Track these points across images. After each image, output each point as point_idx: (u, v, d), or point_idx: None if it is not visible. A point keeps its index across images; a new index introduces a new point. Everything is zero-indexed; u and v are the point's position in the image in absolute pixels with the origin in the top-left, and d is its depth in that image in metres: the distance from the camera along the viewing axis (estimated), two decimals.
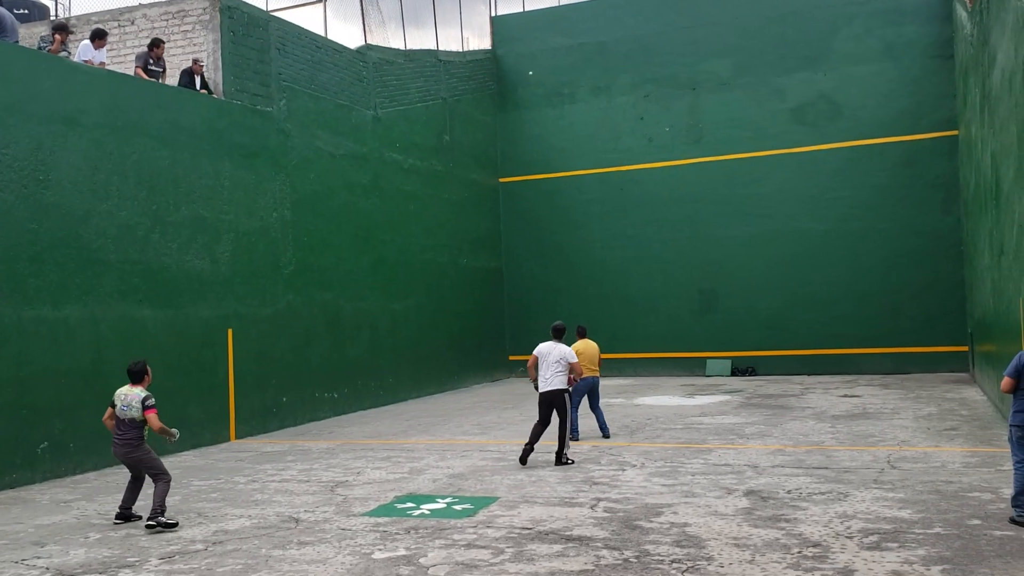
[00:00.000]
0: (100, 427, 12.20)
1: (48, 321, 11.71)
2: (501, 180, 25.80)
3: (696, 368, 23.17)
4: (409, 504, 9.19)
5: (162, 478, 8.82)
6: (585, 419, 13.73)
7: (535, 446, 11.18)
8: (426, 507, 9.01)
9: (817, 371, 22.42)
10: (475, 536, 7.75)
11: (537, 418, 11.32)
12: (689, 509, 8.47)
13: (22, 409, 11.24)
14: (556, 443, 11.27)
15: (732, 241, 23.44)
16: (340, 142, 18.40)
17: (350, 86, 18.97)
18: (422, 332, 20.93)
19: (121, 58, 16.08)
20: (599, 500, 9.00)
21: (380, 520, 8.52)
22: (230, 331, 14.84)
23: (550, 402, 11.24)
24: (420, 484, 10.27)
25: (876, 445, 11.73)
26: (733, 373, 22.96)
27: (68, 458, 11.79)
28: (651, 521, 8.05)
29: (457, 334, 22.60)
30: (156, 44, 14.39)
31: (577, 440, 12.77)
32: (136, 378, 9.06)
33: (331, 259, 17.77)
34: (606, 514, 8.39)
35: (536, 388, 11.41)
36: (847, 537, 7.24)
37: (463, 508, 8.89)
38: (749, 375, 22.80)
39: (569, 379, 11.37)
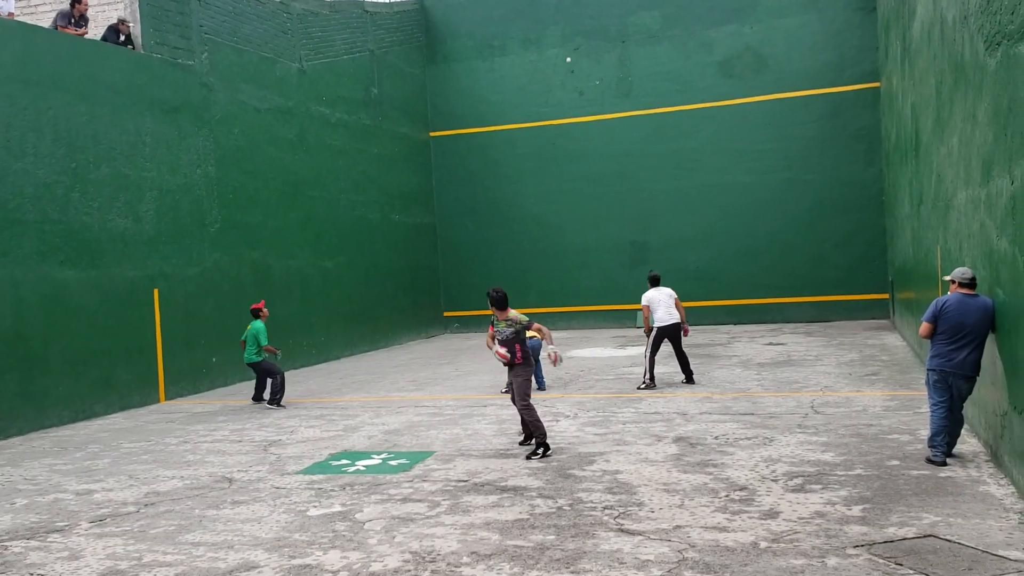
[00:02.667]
0: (25, 390, 11.96)
1: None
2: (432, 134, 25.56)
3: (628, 320, 23.50)
4: (344, 461, 9.21)
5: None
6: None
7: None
8: (361, 463, 9.03)
9: (744, 321, 22.95)
10: (411, 490, 7.82)
11: (653, 353, 13.06)
12: (621, 457, 8.65)
13: None
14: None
15: (662, 194, 23.69)
16: (265, 96, 17.98)
17: (274, 38, 18.51)
18: (354, 289, 20.78)
19: (32, 8, 15.40)
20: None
21: (315, 478, 8.53)
22: (156, 291, 14.53)
23: (674, 334, 13.10)
24: (355, 441, 10.28)
25: (800, 391, 12.10)
26: None
27: None
28: (584, 470, 8.20)
29: (390, 291, 22.49)
30: (77, 1, 13.78)
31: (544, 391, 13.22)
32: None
33: (258, 216, 17.47)
34: (540, 464, 8.52)
35: (650, 328, 13.04)
36: (772, 480, 7.49)
37: (399, 463, 8.94)
38: None
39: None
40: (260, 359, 13.00)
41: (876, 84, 21.92)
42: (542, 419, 9.51)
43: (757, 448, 8.75)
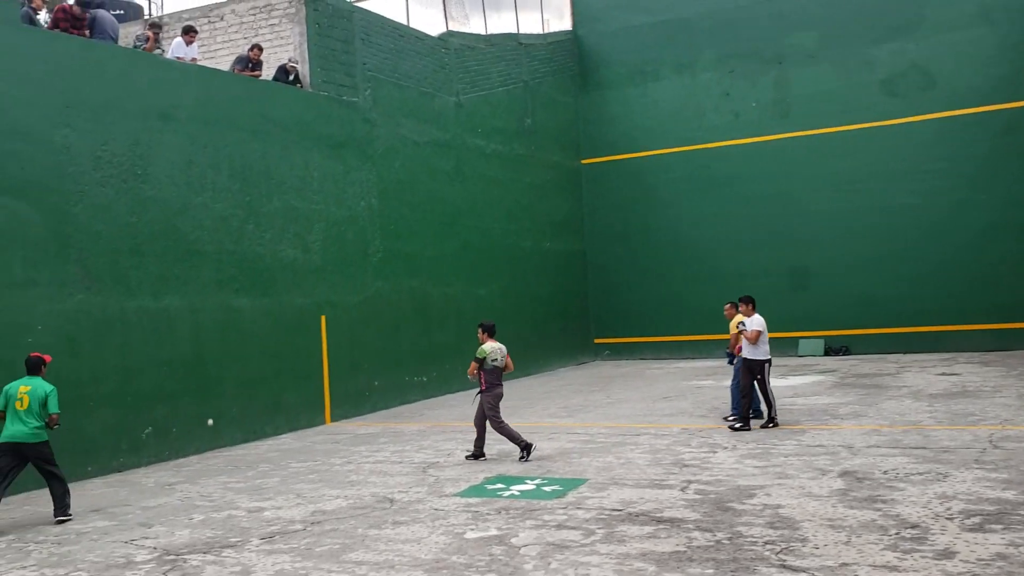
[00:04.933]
0: (200, 413, 12.73)
1: (150, 311, 12.19)
2: (583, 162, 25.67)
3: (788, 348, 22.70)
4: (499, 485, 9.30)
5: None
6: (676, 401, 13.56)
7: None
8: (516, 488, 9.10)
9: (913, 349, 21.72)
10: (565, 517, 7.80)
11: (752, 388, 12.09)
12: (782, 491, 8.35)
13: (127, 396, 11.75)
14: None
15: (822, 217, 22.83)
16: (424, 129, 18.58)
17: (433, 73, 19.13)
18: (506, 316, 20.98)
19: (212, 53, 16.55)
20: (690, 482, 8.95)
21: (471, 500, 8.65)
22: (323, 318, 15.20)
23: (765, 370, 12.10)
24: (509, 466, 10.37)
25: (977, 424, 11.34)
26: (826, 353, 22.43)
27: (170, 443, 12.28)
28: (743, 503, 7.96)
29: (541, 318, 22.63)
30: (252, 47, 14.76)
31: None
32: (494, 332, 10.91)
33: (417, 246, 18.01)
34: (697, 496, 8.34)
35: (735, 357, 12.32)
36: (947, 519, 7.04)
37: (552, 489, 8.95)
38: (842, 355, 22.24)
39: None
40: (46, 438, 8.88)
41: None
42: (698, 450, 9.33)
43: (930, 484, 8.25)
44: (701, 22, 24.40)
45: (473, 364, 10.72)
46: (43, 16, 12.24)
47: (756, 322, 12.02)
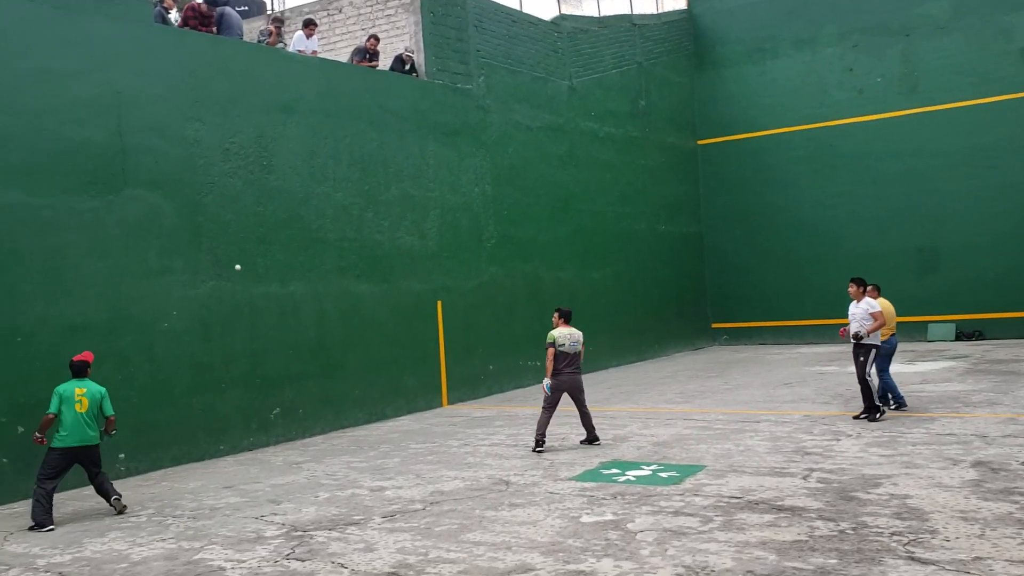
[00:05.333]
0: (326, 394, 13.16)
1: (276, 297, 12.67)
2: (699, 143, 25.18)
3: (916, 333, 21.76)
4: (614, 470, 9.28)
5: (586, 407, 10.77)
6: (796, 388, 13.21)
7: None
8: (631, 473, 9.06)
9: None
10: (682, 503, 7.73)
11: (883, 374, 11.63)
12: (910, 480, 8.04)
13: (256, 379, 12.25)
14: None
15: (954, 196, 21.75)
16: (537, 115, 18.61)
17: (545, 58, 19.11)
18: (621, 300, 20.91)
19: (331, 45, 16.98)
20: (812, 470, 8.72)
21: (586, 485, 8.66)
22: (439, 303, 15.46)
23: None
24: (624, 451, 10.33)
25: None
26: (957, 338, 21.41)
27: (298, 423, 12.75)
28: (869, 492, 7.71)
29: (656, 302, 22.39)
30: (369, 38, 15.11)
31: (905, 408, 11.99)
32: (570, 317, 10.81)
33: (530, 231, 18.08)
34: (819, 485, 8.12)
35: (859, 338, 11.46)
36: None
37: (669, 475, 8.87)
38: (975, 339, 21.18)
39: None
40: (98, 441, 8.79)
41: None
42: (820, 438, 9.06)
43: None
44: None
45: (550, 351, 10.59)
46: (174, 15, 12.78)
47: (877, 305, 11.45)
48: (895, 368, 12.13)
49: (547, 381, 10.66)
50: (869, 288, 12.06)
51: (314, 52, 14.43)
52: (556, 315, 10.95)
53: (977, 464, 8.53)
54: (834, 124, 23.33)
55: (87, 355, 8.91)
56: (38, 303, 9.96)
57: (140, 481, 10.33)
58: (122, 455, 10.54)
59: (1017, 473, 8.06)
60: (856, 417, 11.37)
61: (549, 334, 10.70)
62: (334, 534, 7.46)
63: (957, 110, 21.77)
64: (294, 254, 12.98)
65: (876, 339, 11.42)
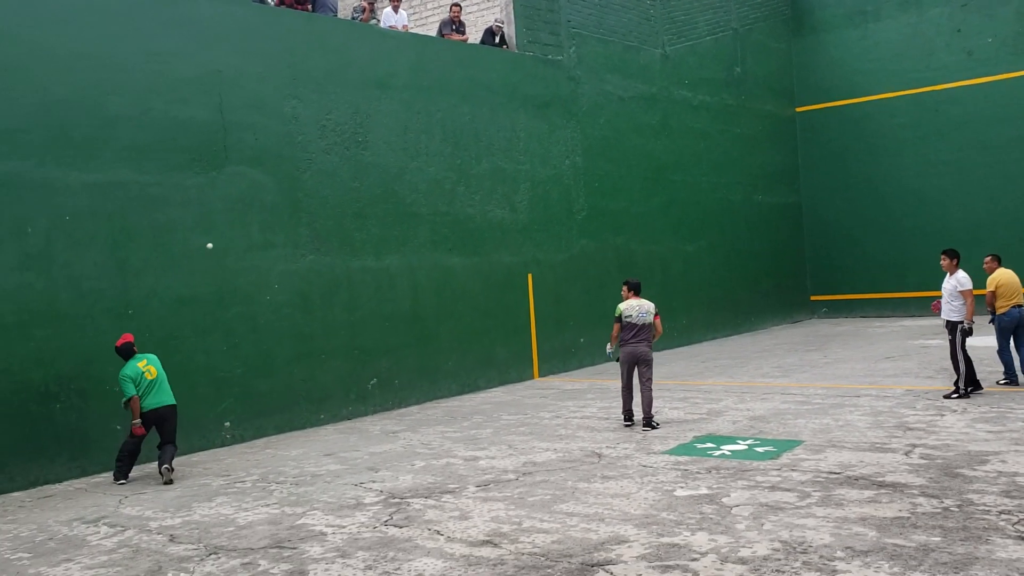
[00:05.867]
0: (421, 365, 13.39)
1: (372, 270, 12.91)
2: (798, 110, 24.46)
3: None
4: (709, 444, 9.19)
5: (650, 385, 10.39)
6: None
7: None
8: (726, 448, 8.96)
9: None
10: (779, 479, 7.61)
11: (964, 351, 10.83)
12: (1020, 458, 7.73)
13: (354, 350, 12.55)
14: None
15: None
16: (628, 84, 18.37)
17: (637, 26, 18.83)
18: (715, 273, 20.58)
19: (423, 20, 17.09)
20: (914, 446, 8.47)
21: (680, 459, 8.61)
22: (530, 276, 15.51)
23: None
24: (719, 425, 10.22)
25: None
26: None
27: (394, 393, 13.02)
28: (975, 469, 7.45)
29: (752, 274, 21.95)
30: (452, 7, 15.15)
31: (1015, 385, 11.43)
32: (640, 290, 10.61)
33: (622, 203, 17.92)
34: (922, 461, 7.88)
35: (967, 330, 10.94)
36: None
37: (765, 450, 8.74)
38: None
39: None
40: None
41: None
42: (923, 413, 8.77)
43: None
44: None
45: (616, 326, 10.42)
46: None
47: (967, 281, 10.92)
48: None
49: (609, 347, 10.58)
50: (988, 259, 11.58)
51: (405, 27, 14.55)
52: (625, 288, 10.68)
53: None
54: (941, 88, 22.33)
55: (127, 336, 9.42)
56: (148, 277, 10.39)
57: (245, 448, 10.73)
58: (227, 423, 10.96)
59: None
60: (946, 396, 10.93)
61: (617, 307, 10.52)
62: (430, 502, 7.61)
63: None
64: (389, 228, 13.20)
65: (957, 315, 10.85)
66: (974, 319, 10.92)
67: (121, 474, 9.28)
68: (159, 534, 7.24)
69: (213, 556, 6.55)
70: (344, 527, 7.04)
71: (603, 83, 17.64)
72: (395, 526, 6.97)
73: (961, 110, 22.01)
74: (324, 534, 6.90)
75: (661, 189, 19.07)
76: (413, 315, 13.46)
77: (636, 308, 10.36)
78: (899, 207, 22.88)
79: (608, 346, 10.64)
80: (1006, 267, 11.59)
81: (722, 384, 13.44)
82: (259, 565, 6.26)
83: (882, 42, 23.13)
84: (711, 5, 21.22)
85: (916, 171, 22.66)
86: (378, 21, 14.44)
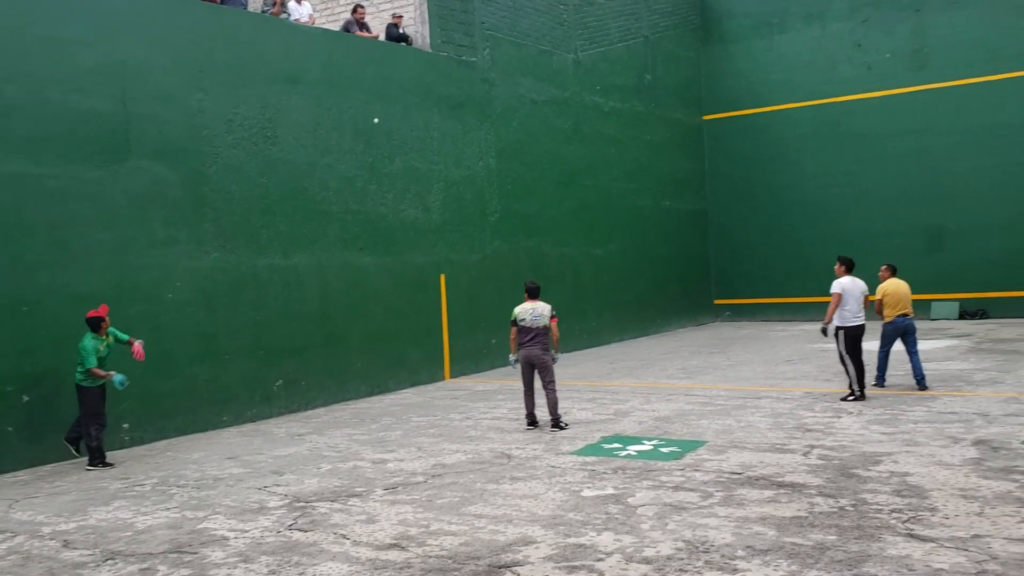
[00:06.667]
0: (329, 366, 13.21)
1: (280, 268, 12.67)
2: (705, 118, 25.04)
3: (920, 311, 21.52)
4: (616, 445, 9.32)
5: (553, 386, 10.33)
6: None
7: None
8: (632, 448, 9.10)
9: None
10: (683, 479, 7.76)
11: (852, 357, 11.18)
12: (911, 458, 8.07)
13: (260, 350, 12.29)
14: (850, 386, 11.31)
15: (962, 175, 21.62)
16: (542, 88, 18.50)
17: (551, 30, 18.97)
18: (624, 276, 20.90)
19: (336, 16, 16.85)
20: (812, 447, 8.75)
21: (588, 459, 8.70)
22: (443, 276, 15.47)
23: (859, 336, 11.28)
24: (626, 426, 10.37)
25: None
26: (961, 316, 21.39)
27: (300, 395, 12.80)
28: (869, 470, 7.74)
29: (660, 278, 22.39)
30: (355, 10, 14.99)
31: (883, 387, 12.05)
32: (537, 294, 10.48)
33: (535, 206, 18.04)
34: (820, 461, 8.15)
35: (826, 332, 11.55)
36: None
37: (670, 451, 8.91)
38: (979, 318, 21.17)
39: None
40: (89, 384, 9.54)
41: None
42: (821, 415, 9.06)
43: None
44: None
45: (513, 329, 10.43)
46: None
47: (837, 285, 11.35)
48: (899, 345, 12.08)
49: (511, 356, 10.57)
50: (883, 268, 12.09)
51: (311, 16, 14.34)
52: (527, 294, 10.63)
53: (978, 443, 8.55)
54: (842, 100, 23.18)
55: (103, 309, 9.69)
56: (43, 273, 9.97)
57: (144, 451, 10.40)
58: (126, 425, 10.61)
59: (1018, 452, 8.08)
60: (842, 399, 11.30)
61: (513, 311, 10.49)
62: (336, 505, 7.51)
63: (967, 87, 21.61)
64: (297, 226, 12.97)
65: (841, 321, 11.28)
66: (831, 322, 11.42)
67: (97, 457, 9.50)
68: (52, 540, 6.96)
69: (110, 562, 6.33)
70: (247, 531, 6.89)
71: (517, 86, 17.72)
72: (300, 530, 6.85)
73: (860, 123, 22.88)
74: (226, 539, 6.73)
75: (573, 193, 19.27)
76: (322, 315, 13.26)
77: (530, 311, 10.34)
78: (800, 215, 23.66)
79: (510, 355, 10.65)
80: (901, 277, 12.10)
81: (629, 385, 13.64)
82: (158, 571, 6.07)
83: (787, 54, 23.88)
84: (623, 12, 21.54)
85: (816, 181, 23.47)
86: (288, 15, 14.19)
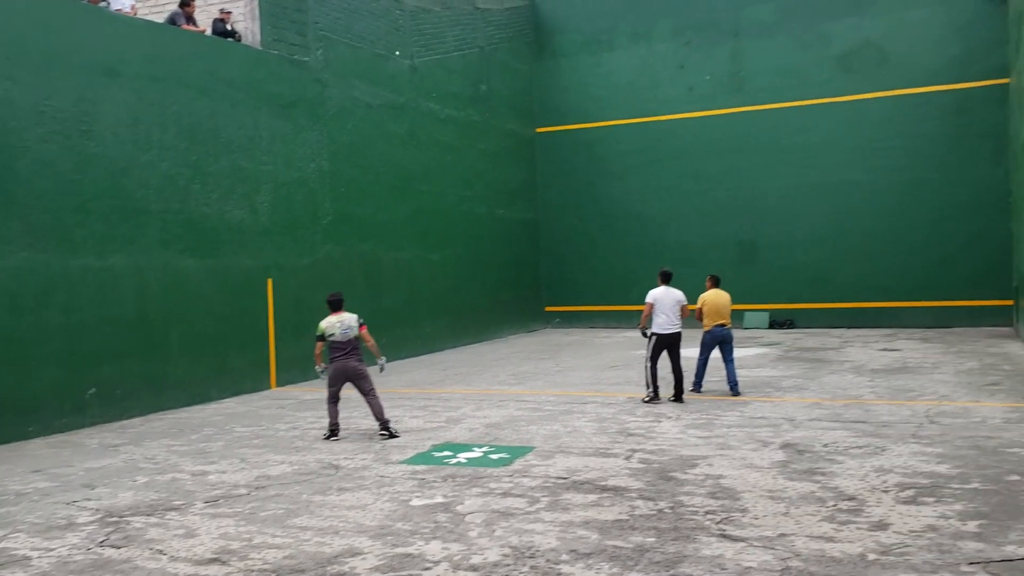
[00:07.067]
0: (147, 374, 12.56)
1: (94, 270, 11.95)
2: (538, 130, 25.60)
3: (734, 321, 22.88)
4: (446, 452, 9.33)
5: (374, 393, 10.27)
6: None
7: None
8: (463, 456, 9.14)
9: (857, 324, 22.19)
10: (511, 485, 7.87)
11: (651, 362, 11.97)
12: (724, 461, 8.51)
13: (71, 356, 11.53)
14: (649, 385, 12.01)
15: (774, 192, 23.11)
16: (377, 92, 18.35)
17: (387, 35, 18.86)
18: (459, 283, 21.03)
19: (161, 8, 16.10)
20: (634, 451, 9.07)
21: (418, 468, 8.67)
22: (270, 281, 15.03)
23: (670, 344, 11.92)
24: (457, 433, 10.41)
25: (915, 400, 11.65)
26: (771, 326, 22.83)
27: (115, 404, 12.10)
28: (686, 473, 8.10)
29: (494, 285, 22.67)
30: (186, 3, 14.37)
31: (700, 392, 12.63)
32: (341, 306, 10.36)
33: (369, 210, 17.85)
34: (641, 465, 8.46)
35: (645, 334, 12.19)
36: (883, 491, 7.24)
37: (499, 457, 9.01)
38: (787, 328, 22.65)
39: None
40: None
41: (1005, 80, 20.84)
42: (643, 419, 9.44)
43: (868, 457, 8.46)
44: None
45: (319, 343, 10.27)
46: None
47: (650, 295, 12.11)
48: (715, 353, 12.79)
49: (317, 368, 10.44)
50: (708, 279, 12.76)
51: (133, 7, 13.64)
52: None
53: (785, 446, 9.12)
54: (664, 119, 24.26)
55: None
56: None
57: None
58: None
59: (819, 454, 8.68)
60: (644, 400, 12.08)
61: (318, 326, 10.29)
62: (152, 520, 7.15)
63: (779, 111, 23.10)
64: (114, 225, 12.28)
65: (654, 328, 12.08)
66: (646, 328, 12.27)
67: None
68: None
69: None
70: (52, 550, 6.44)
71: (351, 88, 17.49)
72: (112, 547, 6.47)
73: (681, 141, 24.03)
74: (29, 558, 6.27)
75: (408, 198, 19.20)
76: (139, 319, 12.60)
77: (338, 325, 10.19)
78: (624, 227, 24.59)
79: (316, 367, 10.50)
80: (724, 289, 12.82)
81: (461, 392, 13.71)
82: None
83: (614, 71, 24.76)
84: (459, 21, 21.70)
85: (640, 195, 24.46)
86: (108, 4, 13.42)
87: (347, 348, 10.18)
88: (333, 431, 10.33)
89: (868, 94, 22.28)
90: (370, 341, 10.39)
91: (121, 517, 7.27)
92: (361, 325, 10.30)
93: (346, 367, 10.18)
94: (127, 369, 12.32)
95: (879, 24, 22.19)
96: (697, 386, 12.74)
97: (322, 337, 10.22)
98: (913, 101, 21.86)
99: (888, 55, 22.12)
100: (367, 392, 10.30)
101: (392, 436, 10.19)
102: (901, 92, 21.98)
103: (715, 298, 12.54)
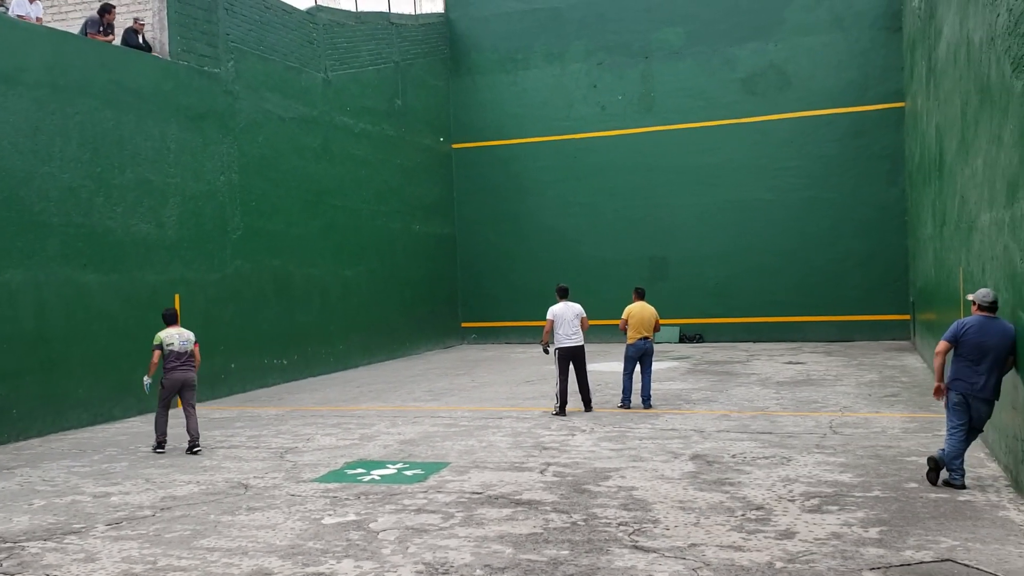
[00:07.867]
0: (45, 393, 12.05)
1: None
2: (454, 146, 25.65)
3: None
4: (360, 470, 9.22)
5: (195, 407, 10.65)
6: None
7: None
8: (376, 473, 9.04)
9: (763, 338, 22.83)
10: (425, 501, 7.81)
11: (560, 376, 12.28)
12: (636, 473, 8.62)
13: None
14: (561, 396, 12.31)
15: (683, 210, 23.65)
16: (289, 105, 18.11)
17: (300, 48, 18.65)
18: (374, 298, 20.85)
19: (63, 15, 15.60)
20: (548, 465, 9.12)
21: (330, 486, 8.54)
22: (177, 296, 14.63)
23: (574, 356, 12.30)
24: (371, 450, 10.29)
25: (819, 411, 12.02)
26: (681, 340, 23.29)
27: (11, 425, 11.59)
28: (599, 485, 8.18)
29: (409, 300, 22.54)
30: (107, 10, 13.98)
31: (628, 408, 12.66)
32: (176, 319, 10.76)
33: (280, 224, 17.57)
34: (555, 478, 8.50)
35: (547, 350, 12.66)
36: (789, 500, 7.44)
37: (414, 474, 8.94)
38: (696, 342, 23.13)
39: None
40: None
41: (900, 104, 21.81)
42: (557, 433, 9.51)
43: (774, 468, 8.69)
44: (572, 12, 24.73)
45: (156, 353, 10.50)
46: None
47: (550, 311, 12.49)
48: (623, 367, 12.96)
49: (146, 379, 10.56)
50: (634, 292, 13.12)
51: (38, 19, 13.19)
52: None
53: (695, 457, 9.30)
54: (578, 137, 24.60)
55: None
56: None
57: None
58: None
59: (728, 465, 8.87)
60: (553, 413, 12.33)
61: (156, 336, 10.57)
62: (50, 544, 6.85)
63: (687, 131, 23.67)
64: (11, 239, 11.79)
65: (556, 342, 12.44)
66: (548, 343, 12.67)
67: None
68: None
69: None
70: None
71: (263, 101, 17.22)
72: (4, 573, 6.18)
73: (595, 158, 24.40)
74: None
75: (321, 213, 18.97)
76: (37, 337, 12.10)
77: (177, 336, 10.59)
78: (540, 242, 24.80)
79: (146, 378, 10.59)
80: (623, 303, 13.06)
81: (375, 409, 13.57)
82: None
83: (530, 90, 25.02)
84: (374, 36, 21.61)
85: (555, 211, 24.72)
86: (7, 10, 12.94)
87: (184, 359, 10.55)
88: (161, 443, 10.58)
89: (771, 116, 23.03)
90: (198, 360, 10.81)
91: (16, 542, 6.95)
92: (195, 343, 10.73)
93: (185, 378, 10.56)
94: (24, 388, 11.81)
95: (782, 49, 22.98)
96: (625, 402, 12.76)
97: (160, 347, 10.46)
98: (814, 123, 22.70)
99: (790, 79, 22.91)
100: (192, 404, 10.67)
101: (196, 453, 10.35)
102: (802, 114, 22.80)
103: (640, 311, 12.74)
